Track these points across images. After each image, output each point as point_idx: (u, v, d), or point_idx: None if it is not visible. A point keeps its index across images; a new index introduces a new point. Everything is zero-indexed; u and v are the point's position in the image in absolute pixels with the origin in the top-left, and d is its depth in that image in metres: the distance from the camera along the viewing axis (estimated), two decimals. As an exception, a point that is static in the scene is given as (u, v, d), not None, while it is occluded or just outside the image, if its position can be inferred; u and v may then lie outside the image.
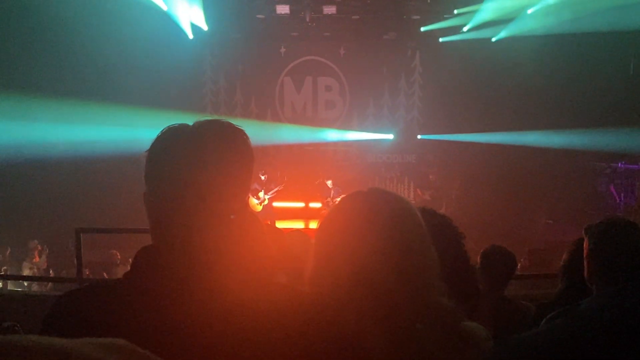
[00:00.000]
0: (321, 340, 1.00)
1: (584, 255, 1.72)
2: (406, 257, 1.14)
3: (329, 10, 12.88)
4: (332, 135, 14.45)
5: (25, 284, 8.09)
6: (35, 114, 10.79)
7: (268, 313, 0.99)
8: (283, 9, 12.82)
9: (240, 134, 1.12)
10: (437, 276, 1.18)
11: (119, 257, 8.69)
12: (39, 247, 9.10)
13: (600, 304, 0.95)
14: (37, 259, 8.93)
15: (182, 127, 1.11)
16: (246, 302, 0.98)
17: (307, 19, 13.15)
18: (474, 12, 12.46)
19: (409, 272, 1.14)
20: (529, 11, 11.87)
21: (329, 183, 12.00)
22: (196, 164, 1.06)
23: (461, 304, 1.20)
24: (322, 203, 11.99)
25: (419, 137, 14.44)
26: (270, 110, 14.51)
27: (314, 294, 1.19)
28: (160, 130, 1.13)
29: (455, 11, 12.75)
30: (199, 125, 1.11)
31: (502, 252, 3.18)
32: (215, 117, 1.17)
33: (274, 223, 10.54)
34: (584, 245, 1.73)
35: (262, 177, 11.35)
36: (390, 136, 14.50)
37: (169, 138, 1.10)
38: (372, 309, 1.12)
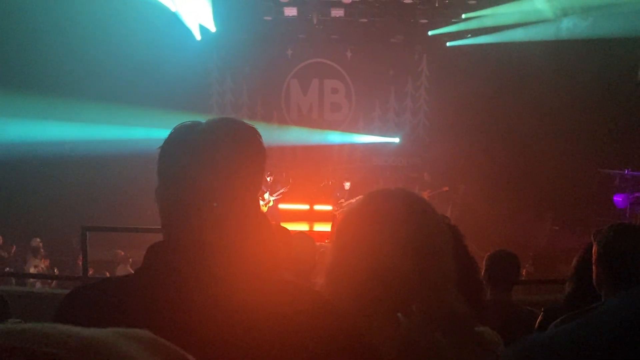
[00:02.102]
0: (332, 338, 1.00)
1: (593, 260, 1.71)
2: (428, 260, 1.14)
3: (337, 13, 12.90)
4: (338, 137, 14.45)
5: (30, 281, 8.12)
6: (42, 113, 10.84)
7: (279, 311, 0.98)
8: (291, 11, 12.84)
9: (253, 132, 1.12)
10: (453, 282, 1.17)
11: (123, 255, 8.71)
12: (41, 245, 9.13)
13: (616, 305, 0.93)
14: (42, 258, 8.95)
15: (195, 125, 1.12)
16: (258, 300, 0.98)
17: (315, 22, 13.16)
18: (481, 17, 12.45)
19: (429, 275, 1.13)
20: (535, 17, 11.85)
21: (347, 185, 11.97)
22: (208, 162, 1.06)
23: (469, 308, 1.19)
24: (334, 204, 11.92)
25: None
26: (276, 112, 14.53)
27: (325, 292, 1.19)
28: (167, 129, 1.13)
29: (463, 16, 12.74)
30: (211, 123, 1.12)
31: (507, 256, 3.17)
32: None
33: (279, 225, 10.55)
34: (593, 250, 1.72)
35: (268, 179, 11.36)
36: (396, 139, 14.48)
37: (182, 135, 1.10)
38: (388, 308, 1.11)
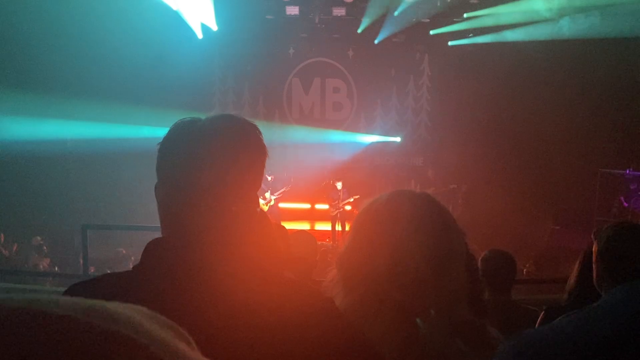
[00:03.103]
0: (332, 337, 0.99)
1: (593, 260, 1.71)
2: (446, 266, 1.13)
3: (339, 12, 12.90)
4: (340, 137, 14.44)
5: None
6: (44, 112, 10.86)
7: (279, 309, 0.98)
8: (292, 10, 12.84)
9: (253, 129, 1.12)
10: (465, 293, 1.17)
11: (124, 254, 8.72)
12: (42, 243, 9.14)
13: (613, 300, 0.93)
14: (44, 256, 8.97)
15: (194, 121, 1.11)
16: (258, 298, 0.98)
17: (316, 21, 13.16)
18: (483, 16, 12.44)
19: (445, 282, 1.13)
20: (537, 17, 11.85)
21: (339, 185, 11.96)
22: (207, 158, 1.06)
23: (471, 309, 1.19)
24: (330, 205, 11.94)
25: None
26: (278, 111, 14.53)
27: (334, 285, 1.19)
28: (168, 128, 1.13)
29: (465, 15, 12.73)
30: (211, 120, 1.12)
31: (501, 255, 3.15)
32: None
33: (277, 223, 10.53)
34: (593, 249, 1.72)
35: (269, 178, 11.35)
36: (398, 139, 14.47)
37: (181, 131, 1.10)
38: (398, 309, 1.11)
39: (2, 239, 9.50)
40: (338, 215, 11.73)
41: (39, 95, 10.49)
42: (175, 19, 12.19)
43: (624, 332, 0.91)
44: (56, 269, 8.81)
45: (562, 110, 12.01)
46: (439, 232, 1.15)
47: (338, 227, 11.79)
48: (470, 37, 13.21)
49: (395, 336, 1.09)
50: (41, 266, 8.66)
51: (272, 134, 13.07)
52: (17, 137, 10.45)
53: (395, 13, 12.76)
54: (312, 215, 13.36)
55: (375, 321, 1.10)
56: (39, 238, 9.16)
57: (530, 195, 12.00)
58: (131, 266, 1.10)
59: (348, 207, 11.71)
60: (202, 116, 1.14)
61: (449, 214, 1.22)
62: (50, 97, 10.58)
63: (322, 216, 12.83)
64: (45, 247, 9.09)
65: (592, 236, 1.75)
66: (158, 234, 1.11)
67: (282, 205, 12.24)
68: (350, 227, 1.25)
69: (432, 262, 1.12)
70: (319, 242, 3.33)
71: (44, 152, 10.81)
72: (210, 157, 1.06)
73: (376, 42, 13.77)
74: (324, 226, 12.36)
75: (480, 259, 3.13)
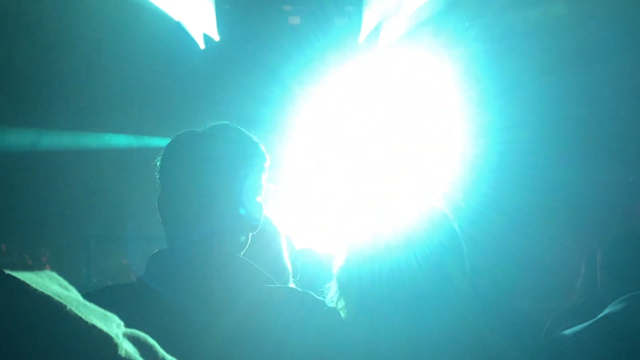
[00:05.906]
0: (330, 342, 0.99)
1: (598, 268, 1.70)
2: (434, 269, 1.13)
3: (341, 21, 12.94)
4: (341, 144, 14.41)
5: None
6: (46, 122, 10.86)
7: (283, 316, 0.98)
8: (294, 21, 12.89)
9: (252, 138, 1.13)
10: (466, 293, 1.16)
11: (126, 264, 8.71)
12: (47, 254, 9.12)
13: (620, 311, 0.92)
14: (47, 267, 8.92)
15: (193, 132, 1.12)
16: (262, 307, 0.98)
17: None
18: (485, 24, 12.45)
19: (439, 284, 1.12)
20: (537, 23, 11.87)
21: (348, 195, 11.97)
22: (206, 167, 1.07)
23: None
24: (335, 213, 11.95)
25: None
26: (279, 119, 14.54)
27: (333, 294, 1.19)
28: (169, 137, 1.14)
29: (467, 22, 12.74)
30: (210, 129, 1.12)
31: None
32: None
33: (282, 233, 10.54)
34: (597, 257, 1.71)
35: (272, 186, 11.35)
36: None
37: (181, 143, 1.11)
38: (397, 311, 1.10)
39: (4, 249, 9.48)
40: (342, 224, 11.72)
41: (40, 105, 10.49)
42: (177, 29, 12.21)
43: (631, 343, 0.90)
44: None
45: (567, 116, 12.00)
46: (428, 234, 1.15)
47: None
48: (473, 43, 13.22)
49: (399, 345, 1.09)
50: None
51: (274, 142, 13.05)
52: (18, 147, 10.45)
53: (397, 22, 12.80)
54: (313, 223, 13.31)
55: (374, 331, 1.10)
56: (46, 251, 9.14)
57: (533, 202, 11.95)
58: (133, 277, 1.10)
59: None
60: (204, 127, 1.15)
61: (442, 217, 1.21)
62: (51, 106, 10.58)
63: (324, 224, 12.79)
64: (43, 258, 9.04)
65: (596, 245, 1.75)
66: (161, 244, 1.11)
67: (284, 213, 12.23)
68: (343, 240, 1.26)
69: (421, 264, 1.11)
70: (323, 253, 3.36)
71: (46, 162, 10.80)
72: (211, 166, 1.07)
73: (378, 50, 13.81)
74: (325, 234, 12.34)
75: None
